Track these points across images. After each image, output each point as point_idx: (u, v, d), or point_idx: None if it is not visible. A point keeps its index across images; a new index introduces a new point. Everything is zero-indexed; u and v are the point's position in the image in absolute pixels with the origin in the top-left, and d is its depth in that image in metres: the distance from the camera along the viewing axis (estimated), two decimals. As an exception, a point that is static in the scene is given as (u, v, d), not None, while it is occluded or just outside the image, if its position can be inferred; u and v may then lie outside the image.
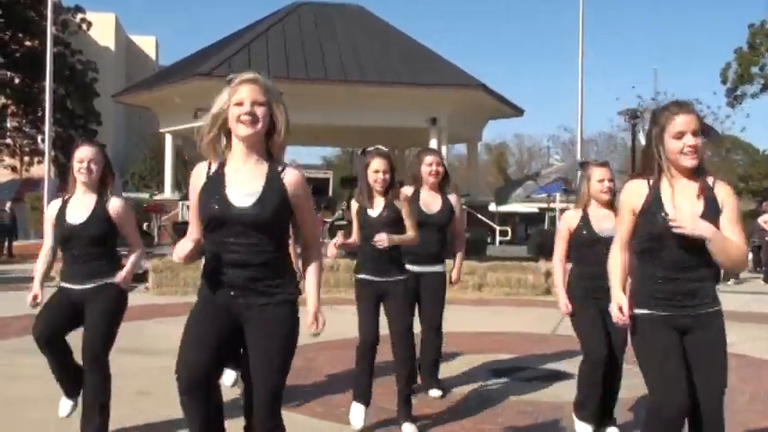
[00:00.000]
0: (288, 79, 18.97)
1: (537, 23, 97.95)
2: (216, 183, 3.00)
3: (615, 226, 3.46)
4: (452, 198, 5.74)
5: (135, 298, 11.29)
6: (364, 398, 4.77)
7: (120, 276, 4.37)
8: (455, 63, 22.02)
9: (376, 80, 19.66)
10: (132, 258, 4.48)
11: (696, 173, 3.17)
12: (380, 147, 4.96)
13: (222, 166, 3.03)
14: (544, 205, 28.79)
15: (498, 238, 20.57)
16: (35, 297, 4.36)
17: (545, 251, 13.65)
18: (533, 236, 16.78)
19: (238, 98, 2.95)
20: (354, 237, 4.93)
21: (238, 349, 3.06)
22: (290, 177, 3.01)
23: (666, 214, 3.08)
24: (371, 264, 4.79)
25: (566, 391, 5.75)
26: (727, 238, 3.08)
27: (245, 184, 2.97)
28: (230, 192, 2.96)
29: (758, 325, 9.71)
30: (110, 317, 4.34)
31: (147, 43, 62.25)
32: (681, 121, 3.11)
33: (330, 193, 20.28)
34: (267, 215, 2.94)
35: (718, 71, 36.83)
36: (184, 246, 3.03)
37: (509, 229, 22.17)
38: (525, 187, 19.09)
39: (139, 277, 12.94)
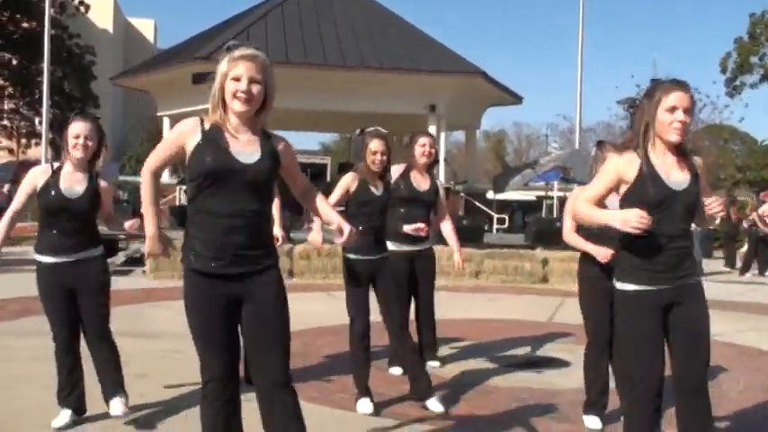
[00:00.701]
0: (286, 64, 18.89)
1: (537, 11, 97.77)
2: (216, 141, 3.03)
3: (591, 183, 3.50)
4: (439, 182, 5.92)
5: (132, 282, 11.36)
6: (368, 391, 4.83)
7: (127, 224, 4.36)
8: (454, 50, 21.96)
9: (375, 66, 19.59)
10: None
11: (680, 150, 3.27)
12: (379, 128, 5.02)
13: (219, 127, 3.07)
14: (542, 193, 28.77)
15: (496, 226, 20.56)
16: None
17: (542, 239, 13.67)
18: (531, 224, 16.75)
19: (236, 73, 3.01)
20: (332, 200, 4.81)
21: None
22: (280, 144, 3.16)
23: (662, 181, 3.19)
24: (364, 243, 4.75)
25: (561, 379, 5.78)
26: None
27: (243, 146, 3.04)
28: (233, 150, 3.02)
29: (752, 315, 9.74)
30: (104, 295, 4.41)
31: (145, 26, 61.99)
32: (675, 97, 3.19)
33: (328, 179, 20.26)
34: (268, 171, 3.05)
35: (718, 61, 36.79)
36: (155, 245, 3.13)
37: (506, 217, 22.17)
38: (523, 175, 19.10)
39: (137, 261, 12.96)
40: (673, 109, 3.18)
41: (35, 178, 4.33)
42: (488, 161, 54.69)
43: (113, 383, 4.43)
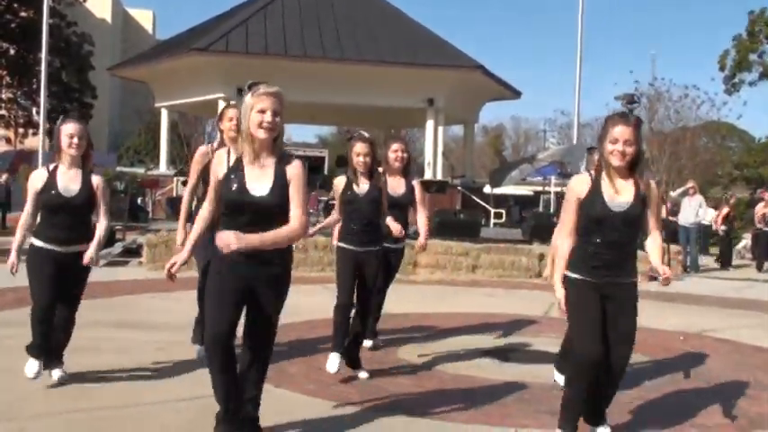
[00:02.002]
0: (285, 56, 18.90)
1: (537, 7, 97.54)
2: (237, 174, 3.66)
3: (562, 212, 4.14)
4: (415, 183, 6.29)
5: (129, 272, 11.35)
6: (340, 348, 5.41)
7: (88, 256, 4.82)
8: (453, 44, 21.93)
9: (374, 59, 19.57)
10: (99, 233, 4.93)
11: (629, 173, 3.94)
12: (362, 132, 5.58)
13: (239, 159, 3.70)
14: (539, 188, 28.80)
15: (493, 221, 20.57)
16: (13, 265, 4.81)
17: (539, 234, 13.68)
18: (528, 219, 16.78)
19: (261, 107, 3.60)
20: (336, 212, 5.56)
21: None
22: (291, 169, 3.68)
23: (604, 202, 3.91)
24: (353, 236, 5.40)
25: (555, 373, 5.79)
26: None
27: (259, 178, 3.64)
28: (249, 184, 3.63)
29: (746, 311, 9.77)
30: (83, 285, 4.99)
31: (143, 17, 61.78)
32: (617, 130, 3.88)
33: (326, 172, 20.24)
34: (277, 201, 3.63)
35: (717, 58, 36.77)
36: (170, 266, 3.78)
37: (504, 212, 22.18)
38: (521, 170, 19.08)
39: (133, 252, 12.96)
40: (615, 140, 3.87)
41: (35, 182, 4.82)
42: (486, 156, 54.71)
43: (58, 359, 5.01)
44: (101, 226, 4.95)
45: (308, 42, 19.75)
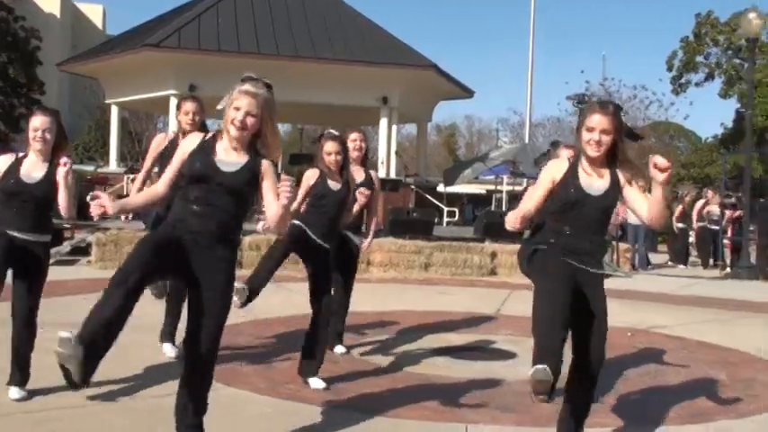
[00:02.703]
0: (238, 53, 18.75)
1: (489, 6, 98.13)
2: (206, 150, 3.64)
3: (532, 191, 3.99)
4: (373, 174, 6.33)
5: (77, 271, 11.14)
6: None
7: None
8: (407, 43, 21.99)
9: (328, 57, 19.53)
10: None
11: (605, 163, 3.82)
12: (332, 130, 5.56)
13: (214, 139, 3.68)
14: (492, 187, 29.02)
15: (446, 219, 20.68)
16: None
17: (491, 232, 13.78)
18: (480, 217, 16.89)
19: (237, 104, 3.59)
20: (296, 204, 5.27)
21: (169, 273, 3.85)
22: (264, 165, 3.68)
23: (580, 186, 3.77)
24: (316, 229, 5.32)
25: (507, 370, 5.86)
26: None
27: (229, 159, 3.63)
28: (217, 160, 3.61)
29: (694, 308, 9.98)
30: (42, 278, 4.75)
31: (94, 11, 60.63)
32: (593, 119, 3.75)
33: (279, 170, 20.09)
34: (241, 183, 3.60)
35: (665, 59, 37.49)
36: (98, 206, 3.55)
37: (457, 210, 22.30)
38: (474, 169, 19.24)
39: (82, 250, 12.73)
40: (591, 129, 3.75)
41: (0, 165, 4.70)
42: (439, 155, 54.91)
43: (19, 379, 4.70)
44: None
45: (262, 39, 19.63)
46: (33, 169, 4.66)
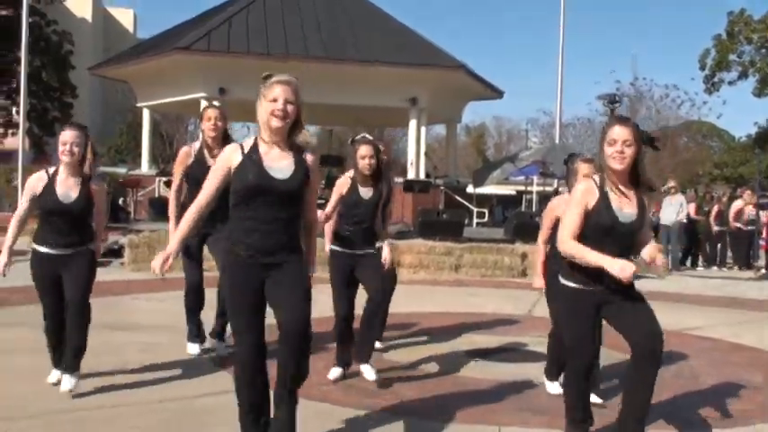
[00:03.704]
0: (267, 56, 18.83)
1: (519, 6, 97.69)
2: (253, 160, 3.62)
3: (568, 212, 3.93)
4: (386, 186, 6.13)
5: (111, 273, 11.27)
6: (342, 363, 5.46)
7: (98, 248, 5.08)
8: (436, 43, 21.96)
9: (357, 59, 19.55)
10: (99, 230, 5.11)
11: (631, 182, 3.84)
12: (366, 135, 5.57)
13: (256, 147, 3.67)
14: (522, 188, 28.89)
15: (476, 220, 20.60)
16: (5, 264, 4.83)
17: (522, 233, 13.72)
18: (510, 218, 16.81)
19: (273, 96, 3.60)
20: (329, 209, 5.40)
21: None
22: (309, 161, 3.73)
23: (614, 212, 3.80)
24: (353, 243, 5.37)
25: (539, 371, 5.81)
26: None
27: (278, 163, 3.64)
28: (267, 168, 3.61)
29: (727, 309, 9.85)
30: (89, 271, 4.93)
31: (124, 15, 61.33)
32: (614, 131, 3.79)
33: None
34: (296, 187, 3.65)
35: (697, 57, 37.08)
36: (163, 261, 3.58)
37: (486, 211, 22.23)
38: (503, 169, 19.12)
39: (115, 253, 12.87)
40: (613, 141, 3.77)
41: (34, 185, 4.86)
42: (469, 155, 54.74)
43: (71, 364, 4.86)
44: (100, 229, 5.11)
45: (291, 41, 19.70)
46: (69, 189, 4.83)
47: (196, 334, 6.12)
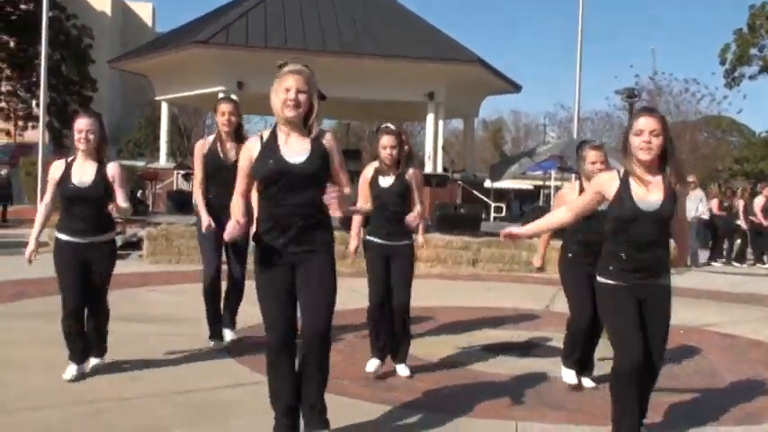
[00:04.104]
0: (285, 49, 18.84)
1: (538, 0, 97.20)
2: (271, 148, 3.71)
3: (579, 197, 4.06)
4: (410, 173, 5.92)
5: (129, 266, 11.33)
6: (380, 352, 5.43)
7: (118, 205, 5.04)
8: (454, 38, 21.90)
9: (375, 53, 19.53)
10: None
11: (659, 170, 3.81)
12: (389, 125, 5.52)
13: (274, 136, 3.76)
14: (539, 182, 28.78)
15: (493, 215, 20.57)
16: (31, 252, 5.00)
17: (539, 228, 13.66)
18: (528, 213, 16.77)
19: (286, 86, 3.66)
20: (360, 203, 5.39)
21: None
22: (327, 140, 3.79)
23: (634, 202, 3.76)
24: (380, 229, 5.36)
25: (556, 366, 5.79)
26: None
27: (294, 149, 3.71)
28: (284, 154, 3.69)
29: (747, 306, 9.78)
30: (109, 268, 5.10)
31: (143, 9, 61.61)
32: (640, 122, 3.77)
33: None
34: (314, 169, 3.69)
35: (717, 52, 36.77)
36: (233, 228, 3.63)
37: (504, 206, 22.17)
38: (521, 164, 19.05)
39: (134, 245, 12.94)
40: (640, 132, 3.75)
41: (54, 173, 4.99)
42: (486, 150, 54.64)
43: (98, 350, 5.21)
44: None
45: (309, 35, 19.71)
46: (84, 173, 4.94)
47: (229, 321, 6.20)
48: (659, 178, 3.80)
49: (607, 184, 3.89)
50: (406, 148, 5.87)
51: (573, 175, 18.99)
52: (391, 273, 5.37)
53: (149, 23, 60.83)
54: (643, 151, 3.74)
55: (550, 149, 19.04)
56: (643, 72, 48.53)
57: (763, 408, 4.91)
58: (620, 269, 3.83)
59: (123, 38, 52.37)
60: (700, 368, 6.05)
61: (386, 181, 5.40)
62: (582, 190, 5.07)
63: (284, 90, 3.65)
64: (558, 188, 23.58)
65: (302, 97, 3.66)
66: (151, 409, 4.43)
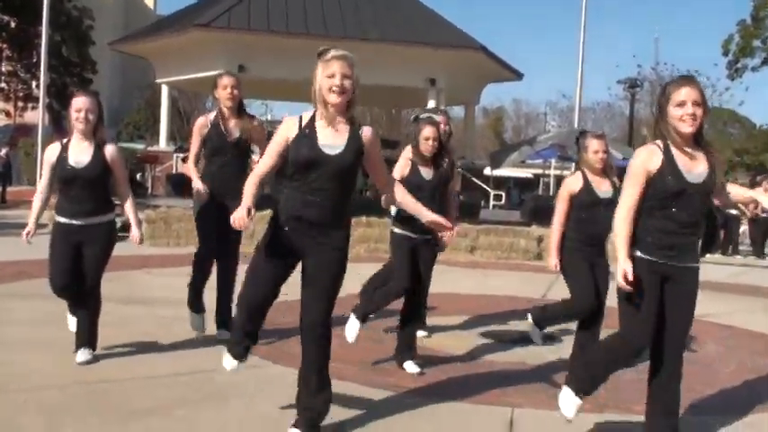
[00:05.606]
0: (287, 33, 18.81)
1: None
2: (308, 134, 3.63)
3: (625, 188, 3.69)
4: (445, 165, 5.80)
5: (127, 248, 11.28)
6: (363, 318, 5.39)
7: (135, 237, 5.17)
8: (456, 24, 21.84)
9: (377, 38, 19.48)
10: (129, 208, 5.12)
11: (696, 141, 3.62)
12: (432, 115, 5.44)
13: (313, 121, 3.67)
14: (539, 171, 28.79)
15: (492, 202, 20.60)
16: (28, 233, 4.92)
17: (538, 216, 13.69)
18: (527, 201, 16.78)
19: (330, 71, 3.60)
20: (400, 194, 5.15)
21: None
22: (366, 135, 3.73)
23: (681, 174, 3.54)
24: (411, 223, 5.02)
25: (553, 354, 5.82)
26: None
27: (332, 139, 3.63)
28: (321, 144, 3.61)
29: (744, 297, 9.80)
30: (106, 252, 5.01)
31: (144, -9, 61.46)
32: (682, 92, 3.55)
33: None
34: (347, 164, 3.64)
35: (720, 43, 36.67)
36: (243, 216, 3.50)
37: (503, 194, 22.20)
38: (521, 152, 19.07)
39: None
40: (682, 103, 3.53)
41: (50, 155, 4.91)
42: (486, 138, 54.59)
43: (87, 336, 4.99)
44: (128, 204, 5.10)
45: (311, 20, 19.66)
46: (81, 154, 4.83)
47: (222, 321, 5.95)
48: (699, 152, 3.63)
49: (648, 159, 3.61)
50: (436, 144, 5.40)
51: (573, 165, 19.01)
52: (420, 267, 5.33)
53: (151, 6, 60.57)
54: (686, 123, 3.54)
55: (551, 138, 19.05)
56: (646, 62, 48.42)
57: (761, 397, 4.93)
58: (654, 244, 3.60)
59: (125, 20, 52.15)
60: (697, 358, 6.06)
61: (426, 172, 5.26)
62: (585, 179, 5.03)
63: (328, 75, 3.59)
64: (558, 177, 23.60)
65: (347, 83, 3.61)
66: (151, 391, 4.44)
